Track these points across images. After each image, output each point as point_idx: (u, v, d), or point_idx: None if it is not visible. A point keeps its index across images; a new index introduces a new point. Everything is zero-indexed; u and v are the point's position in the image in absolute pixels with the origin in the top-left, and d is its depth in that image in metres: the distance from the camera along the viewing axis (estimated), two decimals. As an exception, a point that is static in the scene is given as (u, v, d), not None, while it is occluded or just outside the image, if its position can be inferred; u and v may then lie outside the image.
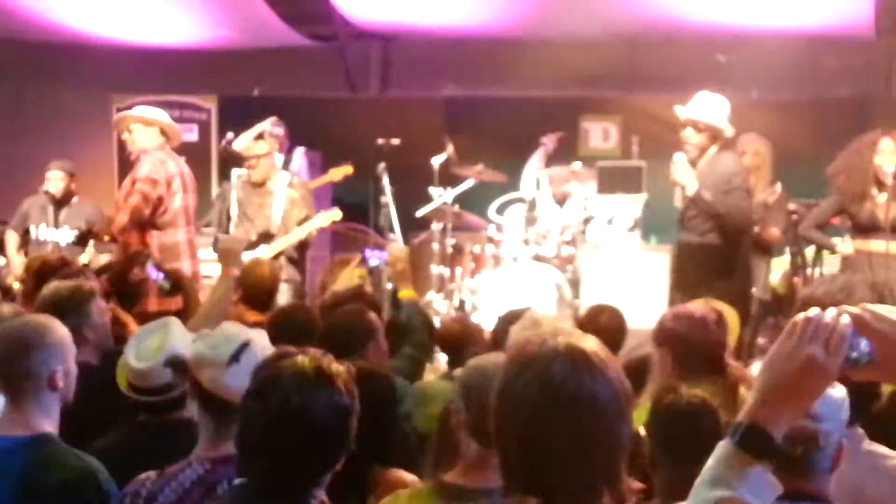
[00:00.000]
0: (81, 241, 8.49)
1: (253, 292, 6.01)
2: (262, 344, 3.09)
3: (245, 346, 3.00)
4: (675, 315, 4.09)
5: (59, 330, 3.32)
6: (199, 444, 2.99)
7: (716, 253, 6.91)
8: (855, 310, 1.79)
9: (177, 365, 3.35)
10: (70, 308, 4.17)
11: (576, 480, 1.91)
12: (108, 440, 3.44)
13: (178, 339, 3.47)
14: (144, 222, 7.26)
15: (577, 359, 1.94)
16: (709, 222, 6.92)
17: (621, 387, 1.96)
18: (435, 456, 3.37)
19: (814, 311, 1.77)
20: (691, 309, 4.11)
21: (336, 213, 8.40)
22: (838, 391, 2.55)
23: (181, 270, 6.63)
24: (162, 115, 7.64)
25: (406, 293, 5.25)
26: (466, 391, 2.98)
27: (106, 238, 7.10)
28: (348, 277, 7.76)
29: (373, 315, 4.57)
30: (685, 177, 6.86)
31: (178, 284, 6.05)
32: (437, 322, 8.60)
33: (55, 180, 8.71)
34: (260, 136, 9.05)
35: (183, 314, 5.25)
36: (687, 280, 7.07)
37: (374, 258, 5.90)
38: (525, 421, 1.93)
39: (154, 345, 3.48)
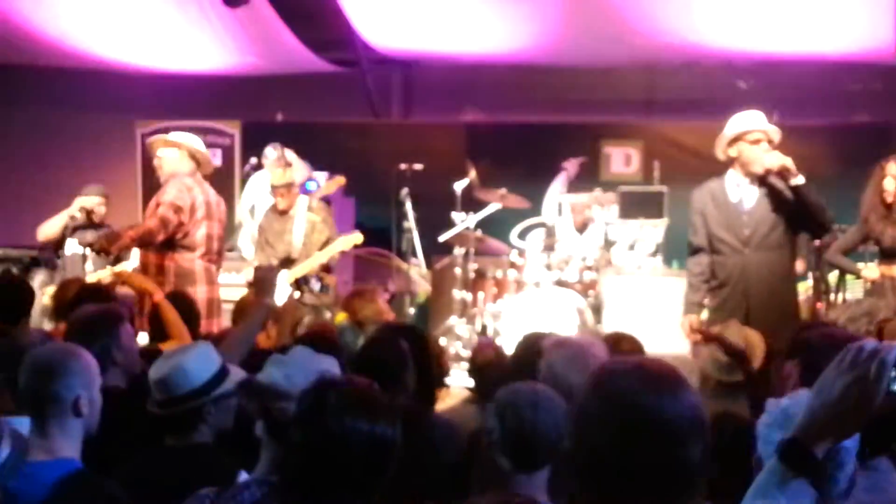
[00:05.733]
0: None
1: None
2: (336, 374, 3.07)
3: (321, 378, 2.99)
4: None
5: (86, 357, 3.33)
6: (260, 467, 2.98)
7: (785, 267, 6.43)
8: None
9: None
10: (101, 330, 4.19)
11: (651, 499, 1.94)
12: (134, 464, 3.44)
13: (198, 358, 3.47)
14: (162, 245, 6.97)
15: (649, 382, 1.98)
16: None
17: (695, 407, 1.98)
18: (468, 479, 3.38)
19: (868, 341, 1.86)
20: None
21: (357, 237, 8.39)
22: None
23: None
24: (190, 140, 7.26)
25: (340, 317, 5.26)
26: (502, 410, 3.02)
27: (103, 253, 6.81)
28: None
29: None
30: (786, 160, 6.12)
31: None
32: (460, 346, 8.70)
33: (98, 205, 8.45)
34: (288, 164, 9.07)
35: None
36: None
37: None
38: (601, 444, 1.97)
39: (173, 361, 3.49)
